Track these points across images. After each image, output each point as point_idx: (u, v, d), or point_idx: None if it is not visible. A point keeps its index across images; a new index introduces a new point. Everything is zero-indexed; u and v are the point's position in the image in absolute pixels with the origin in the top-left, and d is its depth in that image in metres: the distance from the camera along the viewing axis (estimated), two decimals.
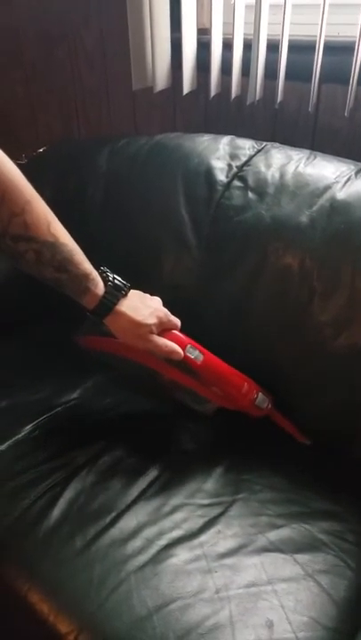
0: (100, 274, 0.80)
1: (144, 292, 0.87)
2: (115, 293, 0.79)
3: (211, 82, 1.18)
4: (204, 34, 1.19)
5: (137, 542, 0.75)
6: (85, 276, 0.76)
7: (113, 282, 0.80)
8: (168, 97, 1.34)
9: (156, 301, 0.85)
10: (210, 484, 0.85)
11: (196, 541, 0.75)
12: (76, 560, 0.72)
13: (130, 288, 0.82)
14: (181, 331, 0.86)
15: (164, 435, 0.93)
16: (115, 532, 0.76)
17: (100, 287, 0.78)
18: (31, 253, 0.71)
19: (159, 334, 0.83)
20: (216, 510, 0.80)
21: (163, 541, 0.75)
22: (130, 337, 0.81)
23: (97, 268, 0.80)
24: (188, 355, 0.84)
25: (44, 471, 0.85)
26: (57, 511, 0.78)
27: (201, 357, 0.86)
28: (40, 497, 0.81)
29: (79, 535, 0.75)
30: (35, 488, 0.82)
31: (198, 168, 1.01)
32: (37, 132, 1.77)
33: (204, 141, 1.05)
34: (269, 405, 0.92)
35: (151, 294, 0.87)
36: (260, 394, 0.90)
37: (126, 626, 0.65)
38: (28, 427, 0.93)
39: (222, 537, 0.76)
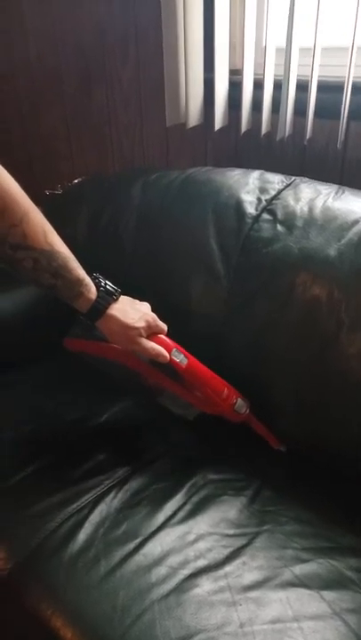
0: (93, 280, 0.84)
1: (173, 318, 0.90)
2: (106, 298, 0.83)
3: (242, 118, 1.22)
4: (235, 74, 1.24)
5: (161, 570, 0.74)
6: (79, 282, 0.81)
7: (105, 287, 0.84)
8: (200, 133, 1.39)
9: (146, 306, 0.89)
10: (234, 514, 0.84)
11: (220, 572, 0.75)
12: (100, 586, 0.72)
13: (120, 293, 0.86)
14: (167, 336, 0.90)
15: (189, 463, 0.94)
16: (139, 558, 0.76)
17: (92, 292, 0.82)
18: (29, 261, 0.75)
19: (147, 338, 0.86)
20: (241, 541, 0.80)
21: (187, 570, 0.75)
22: (120, 339, 0.85)
23: (90, 275, 0.84)
24: (174, 358, 0.88)
25: (72, 494, 0.86)
26: (82, 535, 0.79)
27: (185, 361, 0.89)
28: (66, 520, 0.81)
29: (104, 560, 0.75)
30: (62, 511, 0.83)
31: (228, 201, 1.04)
32: (73, 165, 1.84)
33: (234, 175, 1.08)
34: (247, 411, 0.95)
35: (180, 322, 0.89)
36: (239, 399, 0.94)
37: None
38: (55, 449, 0.94)
39: (247, 569, 0.75)
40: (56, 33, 1.64)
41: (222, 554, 0.77)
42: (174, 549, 0.77)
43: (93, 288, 0.83)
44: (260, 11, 1.16)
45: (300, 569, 0.75)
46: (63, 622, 0.70)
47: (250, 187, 1.04)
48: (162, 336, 0.89)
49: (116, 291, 0.86)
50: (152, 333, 0.87)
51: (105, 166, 1.73)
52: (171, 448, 0.97)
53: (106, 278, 0.87)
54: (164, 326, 0.89)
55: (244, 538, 0.80)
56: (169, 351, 0.87)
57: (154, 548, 0.78)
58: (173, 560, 0.76)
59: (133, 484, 0.88)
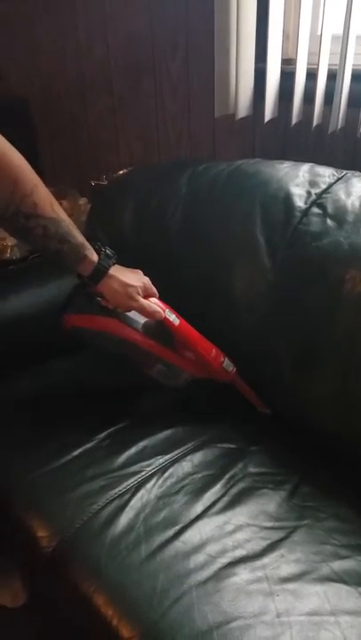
0: (93, 245, 0.91)
1: (215, 310, 0.96)
2: (107, 260, 0.91)
3: (293, 110, 1.20)
4: (287, 64, 1.22)
5: (200, 557, 0.76)
6: (83, 246, 0.88)
7: (105, 251, 0.91)
8: (248, 124, 1.38)
9: (139, 271, 0.97)
10: (273, 508, 0.85)
11: (258, 563, 0.76)
12: (140, 568, 0.74)
13: (117, 259, 0.93)
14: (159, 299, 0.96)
15: (230, 454, 0.95)
16: (179, 544, 0.78)
17: (94, 255, 0.90)
18: (39, 229, 0.82)
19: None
20: (279, 534, 0.80)
21: (225, 559, 0.76)
22: (120, 298, 0.92)
23: (89, 242, 0.91)
24: (168, 317, 0.94)
25: (113, 479, 0.88)
26: (124, 519, 0.81)
27: (178, 321, 0.96)
28: (108, 503, 0.84)
29: (144, 544, 0.77)
30: (104, 495, 0.86)
31: (277, 193, 1.04)
32: (119, 155, 1.86)
33: (283, 168, 1.07)
34: (234, 370, 1.01)
35: (222, 314, 0.90)
36: (226, 359, 1.00)
37: (187, 638, 0.66)
38: (100, 435, 0.97)
39: (285, 561, 0.76)
40: (107, 24, 1.65)
41: (260, 545, 0.78)
42: (213, 538, 0.79)
43: (94, 252, 0.90)
44: None
45: (338, 565, 0.76)
46: (105, 600, 0.72)
47: (299, 180, 1.03)
48: (155, 299, 0.95)
49: (114, 255, 0.93)
50: (146, 295, 0.95)
51: (150, 157, 1.74)
52: (211, 439, 0.98)
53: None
54: (156, 291, 0.97)
55: (282, 531, 0.81)
56: (162, 311, 0.94)
57: (193, 535, 0.79)
58: (212, 548, 0.77)
59: (173, 473, 0.90)
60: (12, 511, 0.87)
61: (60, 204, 1.55)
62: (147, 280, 0.96)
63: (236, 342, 1.06)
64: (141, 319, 0.96)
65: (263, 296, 1.01)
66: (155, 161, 1.72)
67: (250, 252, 1.03)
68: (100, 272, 0.90)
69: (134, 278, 0.94)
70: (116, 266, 0.92)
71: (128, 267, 0.96)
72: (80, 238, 0.88)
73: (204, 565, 0.75)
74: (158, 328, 0.96)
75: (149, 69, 1.60)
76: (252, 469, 0.92)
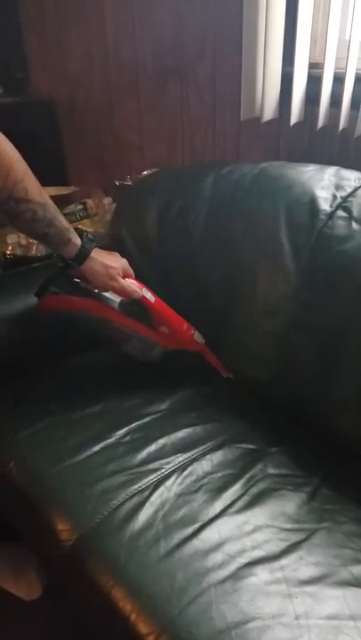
0: (76, 230, 0.96)
1: (237, 312, 0.98)
2: (89, 243, 0.96)
3: (319, 114, 1.20)
4: (315, 68, 1.23)
5: (218, 556, 0.76)
6: (67, 230, 0.93)
7: (87, 235, 0.97)
8: (273, 127, 1.38)
9: (117, 254, 1.03)
10: (293, 509, 0.85)
11: (276, 564, 0.75)
12: (159, 565, 0.75)
13: (97, 243, 0.98)
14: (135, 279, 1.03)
15: (250, 454, 0.95)
16: (197, 543, 0.78)
17: (78, 239, 0.95)
18: (29, 213, 0.86)
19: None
20: (298, 536, 0.80)
21: (243, 559, 0.76)
22: (101, 278, 0.97)
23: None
24: (144, 294, 1.02)
25: (133, 476, 0.89)
26: (143, 515, 0.82)
27: (153, 298, 1.04)
28: (128, 499, 0.85)
29: (163, 541, 0.78)
30: (124, 490, 0.86)
31: (302, 197, 1.04)
32: (144, 157, 1.87)
33: (308, 171, 1.07)
34: (203, 341, 1.11)
35: (245, 316, 0.91)
36: (195, 331, 1.10)
37: (205, 636, 0.66)
38: (119, 432, 0.98)
39: (304, 563, 0.76)
40: (135, 28, 1.67)
41: (279, 547, 0.78)
42: (232, 538, 0.79)
43: (77, 236, 0.95)
44: (345, 1, 1.14)
45: (358, 569, 0.75)
46: (123, 595, 0.73)
47: (325, 183, 1.03)
48: (131, 279, 1.02)
49: (95, 239, 0.98)
50: (124, 276, 1.01)
51: (174, 158, 1.76)
52: (230, 439, 0.98)
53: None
54: (132, 272, 1.03)
55: (301, 533, 0.80)
56: (140, 289, 1.01)
57: (211, 534, 0.79)
58: (230, 548, 0.77)
59: (193, 472, 0.90)
60: (34, 504, 0.88)
61: (85, 202, 1.58)
62: (125, 262, 1.02)
63: (259, 346, 1.07)
64: (117, 299, 1.03)
65: (287, 299, 1.01)
66: (179, 163, 1.73)
67: (274, 255, 1.03)
68: (84, 254, 0.95)
69: (114, 260, 1.00)
70: (96, 249, 0.97)
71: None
72: (65, 223, 0.93)
73: (222, 564, 0.75)
74: (134, 306, 1.03)
75: (176, 73, 1.62)
76: (271, 470, 0.92)
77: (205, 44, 1.49)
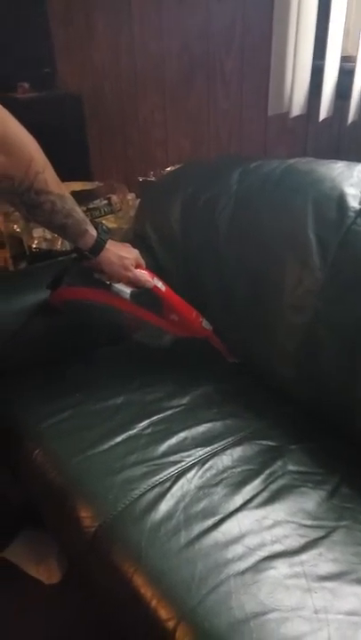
0: (90, 220, 0.98)
1: (262, 306, 1.00)
2: (105, 234, 0.98)
3: (350, 109, 1.19)
4: (347, 61, 1.21)
5: (238, 548, 0.77)
6: (85, 221, 0.95)
7: (102, 227, 0.98)
8: (301, 123, 1.37)
9: (129, 245, 1.06)
10: (312, 506, 0.85)
11: (296, 559, 0.76)
12: (180, 554, 0.76)
13: (111, 234, 1.00)
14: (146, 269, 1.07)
15: (270, 451, 0.95)
16: (217, 534, 0.79)
17: (94, 229, 0.96)
18: (48, 204, 0.87)
19: None
20: (318, 533, 0.80)
21: (263, 552, 0.76)
22: (116, 268, 1.00)
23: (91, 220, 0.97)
24: (156, 284, 1.06)
25: (155, 467, 0.90)
26: (164, 506, 0.83)
27: (164, 287, 1.08)
28: (149, 490, 0.86)
29: (184, 531, 0.79)
30: (145, 481, 0.87)
31: (330, 193, 1.03)
32: (167, 152, 1.88)
33: (338, 167, 1.06)
34: (211, 328, 1.15)
35: (270, 310, 0.92)
36: (203, 319, 1.14)
37: (224, 625, 0.67)
38: (141, 424, 0.99)
39: (323, 560, 0.76)
40: (162, 21, 1.67)
41: (299, 542, 0.78)
42: (251, 531, 0.80)
43: (93, 227, 0.97)
44: None
45: None
46: (144, 582, 0.74)
47: (354, 179, 1.02)
48: (142, 269, 1.05)
49: (109, 230, 1.00)
50: (136, 266, 1.04)
51: (199, 153, 1.76)
52: (251, 435, 0.99)
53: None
54: (144, 262, 1.06)
55: (321, 530, 0.81)
56: (151, 279, 1.05)
57: (232, 527, 0.80)
58: (250, 541, 0.78)
59: (213, 465, 0.91)
60: (57, 491, 0.90)
61: (110, 198, 1.59)
62: (137, 252, 1.05)
63: (283, 340, 1.06)
64: (128, 290, 1.04)
65: (312, 294, 1.01)
66: (203, 157, 1.73)
67: (300, 250, 1.03)
68: (100, 245, 0.96)
69: (127, 251, 1.02)
70: (110, 240, 0.99)
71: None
72: (82, 214, 0.94)
73: (242, 557, 0.75)
74: (144, 296, 1.05)
75: (203, 66, 1.62)
76: (291, 467, 0.92)
77: (234, 38, 1.49)
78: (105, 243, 0.97)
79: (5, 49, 1.97)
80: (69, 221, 0.92)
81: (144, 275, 1.04)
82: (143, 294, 1.05)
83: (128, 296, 1.04)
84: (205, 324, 1.15)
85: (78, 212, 0.93)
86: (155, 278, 1.06)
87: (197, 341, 1.16)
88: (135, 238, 1.37)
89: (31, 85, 2.07)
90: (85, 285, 1.03)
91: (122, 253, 1.00)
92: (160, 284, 1.07)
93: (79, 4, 1.96)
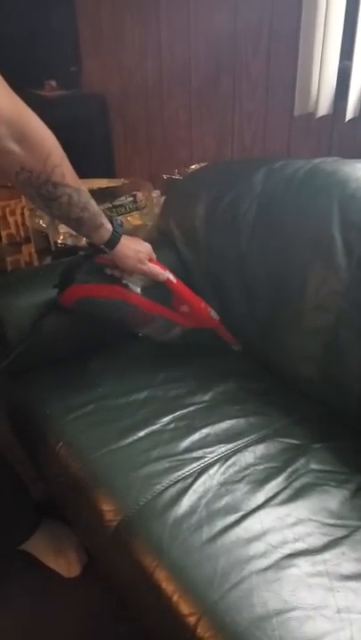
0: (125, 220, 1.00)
1: (286, 307, 1.01)
2: (119, 228, 0.99)
3: None
4: None
5: (260, 545, 0.77)
6: (100, 214, 0.95)
7: (116, 220, 0.99)
8: (326, 123, 1.37)
9: (140, 239, 1.07)
10: (335, 505, 0.85)
11: (318, 557, 0.76)
12: (202, 549, 0.76)
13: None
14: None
15: (293, 449, 0.95)
16: (240, 531, 0.79)
17: (109, 223, 0.96)
18: (65, 197, 0.87)
19: None
20: (341, 532, 0.80)
21: (285, 550, 0.77)
22: (131, 262, 1.01)
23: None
24: (168, 276, 1.08)
25: (177, 462, 0.91)
26: (186, 501, 0.84)
27: (175, 279, 1.10)
28: (172, 485, 0.86)
29: (206, 527, 0.79)
30: (168, 476, 0.88)
31: (356, 193, 1.02)
32: (192, 151, 1.89)
33: None
34: (218, 318, 1.17)
35: (293, 311, 0.94)
36: (211, 309, 1.16)
37: (246, 622, 0.68)
38: (164, 419, 1.00)
39: (346, 559, 0.76)
40: (190, 21, 1.68)
41: (321, 540, 0.78)
42: (274, 528, 0.80)
43: (108, 221, 0.96)
44: None
45: None
46: (166, 576, 0.75)
47: None
48: (154, 263, 1.07)
49: (122, 224, 0.99)
50: (149, 259, 1.05)
51: (223, 153, 1.76)
52: (273, 433, 0.99)
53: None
54: (155, 255, 1.07)
55: (344, 529, 0.80)
56: (164, 271, 1.07)
57: (254, 524, 0.80)
58: (272, 538, 0.78)
59: (236, 462, 0.91)
60: (80, 485, 0.91)
61: (135, 195, 1.60)
62: (149, 246, 1.06)
63: (306, 342, 1.06)
64: (139, 284, 1.06)
65: (337, 295, 1.01)
66: (227, 158, 1.74)
67: (325, 250, 1.02)
68: (116, 238, 0.97)
69: (140, 244, 1.03)
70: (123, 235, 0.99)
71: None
72: (97, 208, 0.94)
73: (264, 554, 0.76)
74: (155, 290, 1.07)
75: (229, 67, 1.62)
76: (314, 466, 0.92)
77: (261, 38, 1.49)
78: (120, 236, 0.98)
79: (33, 47, 1.99)
80: (85, 215, 0.92)
81: (157, 268, 1.06)
82: (154, 288, 1.07)
83: (140, 290, 1.06)
84: (213, 313, 1.17)
85: (94, 205, 0.93)
86: (167, 271, 1.08)
87: (206, 332, 1.19)
88: (159, 235, 1.38)
89: (58, 83, 2.09)
90: (98, 282, 1.04)
91: (136, 247, 1.02)
92: (172, 277, 1.09)
93: (107, 4, 1.97)
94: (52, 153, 0.83)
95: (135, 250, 1.01)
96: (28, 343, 1.06)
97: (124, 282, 1.04)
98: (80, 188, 0.90)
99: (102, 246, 0.97)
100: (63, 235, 1.49)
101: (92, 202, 0.93)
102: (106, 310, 1.06)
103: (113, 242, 0.97)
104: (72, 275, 1.03)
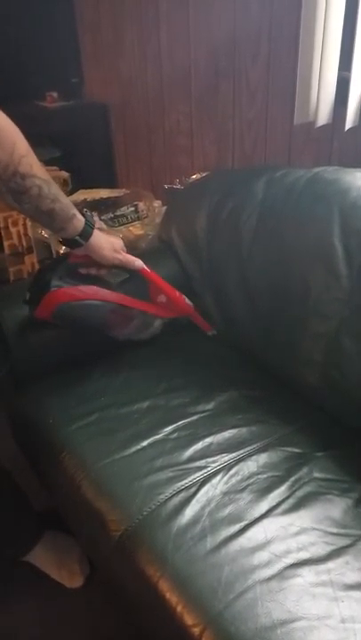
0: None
1: (287, 314, 1.01)
2: (91, 219, 0.97)
3: None
4: None
5: (264, 555, 0.77)
6: (71, 205, 0.92)
7: (86, 211, 0.97)
8: (327, 132, 1.38)
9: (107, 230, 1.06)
10: (339, 514, 0.85)
11: (322, 566, 0.76)
12: (206, 559, 0.76)
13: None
14: None
15: (295, 458, 0.95)
16: (243, 540, 0.79)
17: (80, 214, 0.94)
18: (35, 189, 0.85)
19: None
20: (345, 541, 0.80)
21: (289, 559, 0.76)
22: (107, 252, 1.00)
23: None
24: (142, 265, 1.06)
25: (180, 472, 0.91)
26: (190, 511, 0.84)
27: (149, 269, 1.08)
28: (175, 495, 0.87)
29: (210, 537, 0.79)
30: (171, 486, 0.88)
31: (357, 202, 1.03)
32: (193, 160, 1.90)
33: None
34: (192, 304, 1.18)
35: (294, 319, 0.95)
36: (184, 296, 1.16)
37: (251, 632, 0.68)
38: (167, 428, 1.00)
39: (350, 568, 0.76)
40: (189, 29, 1.70)
41: (325, 550, 0.78)
42: (277, 538, 0.80)
43: (79, 212, 0.94)
44: None
45: None
46: (170, 587, 0.75)
47: None
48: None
49: (93, 215, 0.99)
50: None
51: (224, 162, 1.77)
52: (276, 442, 0.99)
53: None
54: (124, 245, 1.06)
55: (347, 538, 0.80)
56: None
57: (257, 533, 0.80)
58: (276, 548, 0.78)
59: (239, 471, 0.91)
60: (84, 494, 0.91)
61: (137, 205, 1.61)
62: (119, 238, 1.05)
63: (308, 348, 1.07)
64: (115, 281, 1.05)
65: (338, 302, 1.01)
66: (228, 166, 1.75)
67: (326, 258, 1.03)
68: (89, 229, 0.95)
69: (111, 236, 1.02)
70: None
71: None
72: (67, 199, 0.91)
73: (268, 563, 0.76)
74: (131, 284, 1.06)
75: (229, 75, 1.63)
76: (317, 474, 0.92)
77: (260, 46, 1.50)
78: (93, 226, 0.96)
79: (35, 59, 2.02)
80: (57, 206, 0.89)
81: (133, 257, 1.04)
82: (128, 283, 1.06)
83: (116, 287, 1.05)
84: (187, 300, 1.17)
85: (64, 197, 0.90)
86: (141, 261, 1.06)
87: (184, 321, 1.20)
88: (161, 245, 1.39)
89: (59, 95, 2.11)
90: (74, 284, 1.00)
91: (108, 238, 1.00)
92: (146, 266, 1.07)
93: (107, 15, 2.00)
94: (17, 143, 0.81)
95: (109, 240, 1.00)
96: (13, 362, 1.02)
97: (101, 280, 1.03)
98: (48, 179, 0.87)
99: (77, 238, 0.94)
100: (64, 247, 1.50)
101: (62, 193, 0.90)
102: (87, 314, 1.03)
103: (87, 232, 0.95)
104: (45, 282, 0.99)
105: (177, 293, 1.14)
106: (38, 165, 0.85)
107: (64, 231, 0.94)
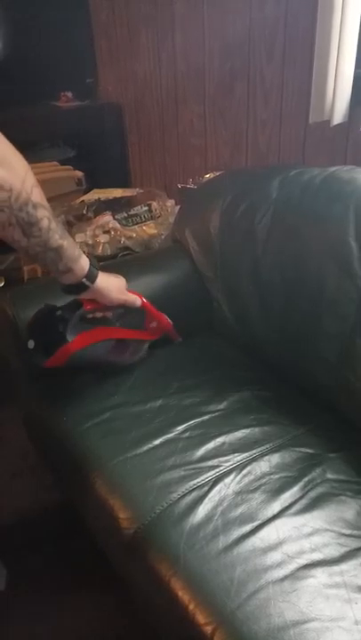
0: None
1: (301, 314, 1.00)
2: (95, 260, 0.92)
3: None
4: None
5: (277, 555, 0.77)
6: (76, 244, 0.87)
7: (85, 251, 0.93)
8: (342, 131, 1.37)
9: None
10: (352, 515, 0.84)
11: (336, 568, 0.75)
12: (218, 558, 0.76)
13: None
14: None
15: (308, 458, 0.94)
16: (256, 540, 0.79)
17: (84, 254, 0.89)
18: (45, 220, 0.80)
19: None
20: (358, 543, 0.79)
21: (302, 560, 0.76)
22: (114, 293, 0.97)
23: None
24: (142, 299, 1.07)
25: (193, 471, 0.91)
26: (202, 510, 0.84)
27: (145, 299, 1.08)
28: (188, 493, 0.86)
29: (222, 536, 0.79)
30: (184, 484, 0.88)
31: None
32: (206, 160, 1.90)
33: None
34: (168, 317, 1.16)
35: (308, 319, 0.95)
36: (164, 314, 1.15)
37: (263, 632, 0.67)
38: (179, 427, 1.00)
39: None
40: (204, 29, 1.70)
41: (338, 551, 0.78)
42: (290, 538, 0.79)
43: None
44: None
45: None
46: (182, 585, 0.74)
47: None
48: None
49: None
50: None
51: (238, 161, 1.77)
52: (289, 442, 0.98)
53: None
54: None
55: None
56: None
57: (270, 533, 0.80)
58: (289, 548, 0.78)
59: (251, 471, 0.91)
60: (97, 492, 0.92)
61: (150, 204, 1.61)
62: (120, 277, 1.02)
63: (322, 349, 1.06)
64: (116, 317, 1.06)
65: (353, 303, 1.00)
66: (242, 166, 1.74)
67: (341, 257, 1.02)
68: (95, 270, 0.90)
69: (113, 274, 0.99)
70: None
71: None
72: (71, 237, 0.86)
73: (281, 564, 0.75)
74: (128, 317, 1.08)
75: (243, 74, 1.63)
76: (330, 475, 0.91)
77: (275, 45, 1.50)
78: (98, 267, 0.91)
79: (50, 59, 2.03)
80: (65, 243, 0.83)
81: (135, 295, 1.04)
82: (124, 316, 1.07)
83: (119, 324, 1.07)
84: (167, 317, 1.15)
85: (69, 234, 0.86)
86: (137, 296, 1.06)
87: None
88: (174, 244, 1.39)
89: (74, 95, 2.13)
90: (85, 329, 0.98)
91: (110, 278, 0.96)
92: (144, 299, 1.08)
93: (122, 16, 2.00)
94: (29, 173, 0.77)
95: (116, 281, 0.97)
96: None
97: (104, 320, 1.03)
98: (53, 213, 0.82)
99: (84, 280, 0.89)
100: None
101: (66, 232, 0.86)
102: (94, 355, 1.04)
103: (93, 273, 0.90)
104: (60, 335, 0.95)
105: (164, 316, 1.14)
106: (44, 198, 0.80)
107: (71, 273, 0.87)
